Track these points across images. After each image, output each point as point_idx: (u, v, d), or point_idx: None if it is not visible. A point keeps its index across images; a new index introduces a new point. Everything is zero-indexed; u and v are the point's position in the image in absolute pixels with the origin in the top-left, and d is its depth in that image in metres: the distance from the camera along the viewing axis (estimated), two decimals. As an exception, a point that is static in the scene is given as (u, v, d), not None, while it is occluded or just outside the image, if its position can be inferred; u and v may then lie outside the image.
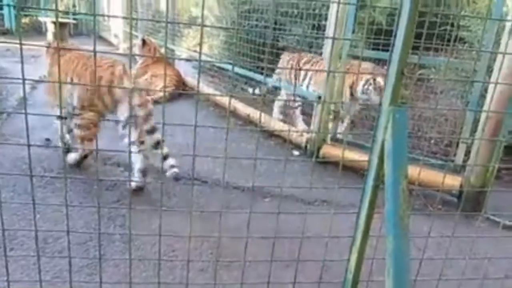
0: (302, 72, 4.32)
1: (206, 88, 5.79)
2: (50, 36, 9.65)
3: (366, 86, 3.77)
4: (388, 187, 1.12)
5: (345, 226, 1.74)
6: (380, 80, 3.64)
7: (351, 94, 3.93)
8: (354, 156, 3.42)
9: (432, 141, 4.16)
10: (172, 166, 2.89)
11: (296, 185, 3.32)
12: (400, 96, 1.21)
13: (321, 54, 4.30)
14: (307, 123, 4.49)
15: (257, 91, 5.35)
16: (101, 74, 2.89)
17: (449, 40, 3.78)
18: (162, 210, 1.52)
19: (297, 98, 4.58)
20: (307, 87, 4.36)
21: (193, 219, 1.66)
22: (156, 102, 5.38)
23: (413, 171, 1.78)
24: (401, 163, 1.12)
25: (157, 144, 2.91)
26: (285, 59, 4.79)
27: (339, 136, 4.08)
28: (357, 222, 1.44)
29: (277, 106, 4.95)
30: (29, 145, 1.17)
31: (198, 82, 1.42)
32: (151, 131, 2.93)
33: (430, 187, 3.03)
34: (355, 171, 3.38)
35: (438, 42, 3.83)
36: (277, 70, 4.92)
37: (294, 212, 2.77)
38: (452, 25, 3.99)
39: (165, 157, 2.91)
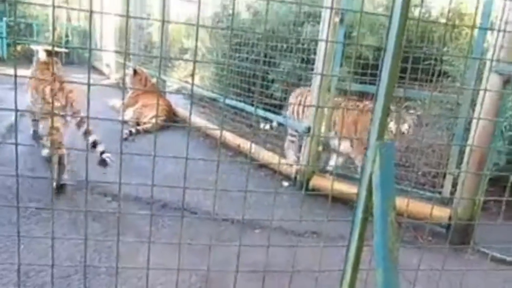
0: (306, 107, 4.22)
1: (197, 119, 5.82)
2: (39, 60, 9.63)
3: None
4: (377, 219, 1.13)
5: (335, 258, 1.73)
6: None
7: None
8: (343, 188, 3.44)
9: (420, 173, 4.22)
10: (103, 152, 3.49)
11: (286, 217, 3.31)
12: (386, 128, 1.24)
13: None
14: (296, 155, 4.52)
15: (267, 126, 5.16)
16: None
17: (433, 74, 3.91)
18: (150, 242, 1.50)
19: (294, 132, 4.51)
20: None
21: (182, 251, 1.63)
22: (146, 131, 5.41)
23: (401, 202, 1.80)
24: (389, 196, 1.14)
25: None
26: (294, 95, 4.58)
27: (328, 167, 4.11)
28: (347, 255, 1.44)
29: (290, 147, 4.61)
30: (17, 176, 1.16)
31: (190, 115, 1.44)
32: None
33: (419, 219, 3.04)
34: (345, 203, 3.39)
35: (423, 76, 3.97)
36: (288, 107, 4.71)
37: (284, 245, 2.74)
38: (436, 59, 4.14)
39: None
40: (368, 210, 1.29)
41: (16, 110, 1.09)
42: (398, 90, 3.02)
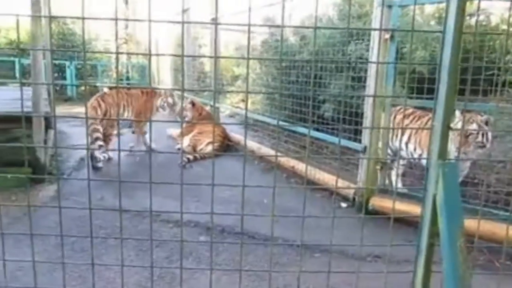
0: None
1: (250, 143, 5.92)
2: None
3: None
4: (444, 245, 1.06)
5: (401, 285, 1.64)
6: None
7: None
8: (405, 208, 3.27)
9: (491, 190, 3.91)
10: None
11: (346, 239, 3.19)
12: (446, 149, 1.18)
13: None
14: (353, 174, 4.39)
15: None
16: None
17: (496, 85, 3.67)
18: (211, 269, 1.53)
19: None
20: (406, 145, 4.02)
21: (242, 277, 1.64)
22: (203, 158, 5.60)
23: (472, 223, 1.69)
24: (456, 219, 1.08)
25: None
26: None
27: (388, 187, 3.95)
28: (413, 282, 1.36)
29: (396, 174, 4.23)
30: (90, 209, 1.25)
31: (245, 143, 1.48)
32: None
33: (494, 241, 2.80)
34: (409, 224, 3.22)
35: (485, 88, 3.73)
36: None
37: (345, 271, 2.65)
38: (499, 69, 3.89)
39: None
40: (434, 234, 1.22)
41: (88, 149, 1.19)
42: (458, 103, 2.87)
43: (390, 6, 3.50)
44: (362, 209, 3.69)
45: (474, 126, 3.47)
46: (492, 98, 3.85)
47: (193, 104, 6.59)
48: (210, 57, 7.93)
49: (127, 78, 14.12)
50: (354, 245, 2.92)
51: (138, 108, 5.70)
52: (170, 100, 5.90)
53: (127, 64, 14.40)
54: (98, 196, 3.90)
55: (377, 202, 3.73)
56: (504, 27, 5.05)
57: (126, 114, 5.59)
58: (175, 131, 6.73)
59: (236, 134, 6.52)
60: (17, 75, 11.04)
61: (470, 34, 3.33)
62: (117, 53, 1.32)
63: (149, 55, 1.20)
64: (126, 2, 15.04)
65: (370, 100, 3.62)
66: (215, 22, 5.94)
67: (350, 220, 3.63)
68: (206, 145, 5.89)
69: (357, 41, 4.73)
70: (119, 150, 1.40)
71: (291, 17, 6.86)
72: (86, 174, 1.31)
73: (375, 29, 3.57)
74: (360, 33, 4.58)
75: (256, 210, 3.67)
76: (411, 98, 3.88)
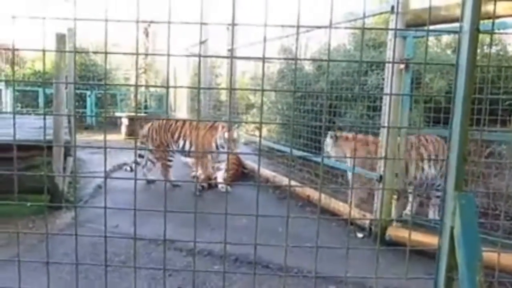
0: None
1: (265, 171, 5.92)
2: (124, 128, 10.82)
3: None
4: (464, 280, 1.03)
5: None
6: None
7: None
8: (423, 239, 3.19)
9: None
10: None
11: (362, 271, 3.08)
12: (463, 179, 1.17)
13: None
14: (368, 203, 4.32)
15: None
16: None
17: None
18: (224, 300, 1.51)
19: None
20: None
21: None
22: (216, 186, 5.61)
23: (493, 255, 1.63)
24: (475, 253, 1.05)
25: None
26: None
27: (404, 216, 3.87)
28: (432, 318, 1.31)
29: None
30: (105, 236, 1.27)
31: (259, 172, 1.49)
32: None
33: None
34: (429, 256, 3.11)
35: (504, 117, 3.68)
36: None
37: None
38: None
39: None
40: (452, 268, 1.19)
41: (105, 178, 1.22)
42: (474, 133, 2.84)
43: (404, 37, 3.55)
44: (377, 239, 3.60)
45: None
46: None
47: None
48: (225, 89, 8.09)
49: (145, 107, 14.46)
50: (370, 277, 2.84)
51: (195, 140, 5.60)
52: (234, 134, 5.44)
53: (145, 93, 14.79)
54: (113, 224, 3.92)
55: (394, 232, 3.64)
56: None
57: (181, 145, 5.68)
58: (191, 158, 6.78)
59: (251, 162, 6.53)
60: (41, 104, 11.44)
61: (485, 62, 3.32)
62: (137, 85, 1.38)
63: (167, 87, 1.25)
64: (147, 34, 15.62)
65: (385, 132, 3.61)
66: (230, 55, 6.08)
67: (366, 251, 3.55)
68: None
69: (377, 72, 4.76)
70: (135, 180, 1.43)
71: (307, 47, 7.00)
72: (103, 202, 1.34)
73: (387, 62, 3.60)
74: (379, 63, 4.62)
75: (271, 239, 3.62)
76: (426, 127, 3.86)
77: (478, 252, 1.06)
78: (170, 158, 5.66)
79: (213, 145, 5.54)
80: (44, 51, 1.44)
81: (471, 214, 1.09)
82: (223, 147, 5.39)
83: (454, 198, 1.13)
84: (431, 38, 5.56)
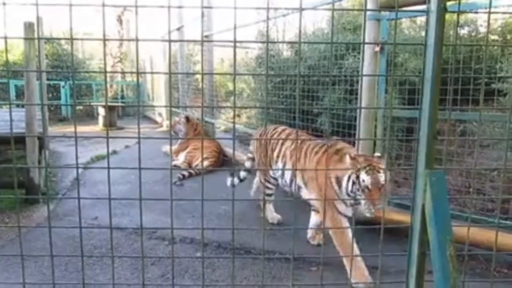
0: None
1: (244, 157, 5.91)
2: (100, 119, 10.62)
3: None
4: (435, 254, 1.06)
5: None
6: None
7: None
8: (400, 218, 3.27)
9: (486, 198, 3.91)
10: None
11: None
12: (434, 156, 1.20)
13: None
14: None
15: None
16: None
17: (489, 94, 3.72)
18: (206, 286, 1.52)
19: None
20: None
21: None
22: (198, 174, 5.59)
23: (473, 231, 1.69)
24: (445, 228, 1.08)
25: None
26: None
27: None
28: (407, 293, 1.36)
29: None
30: (81, 227, 1.25)
31: (233, 157, 1.49)
32: None
33: (490, 249, 2.80)
34: (403, 234, 3.21)
35: (477, 97, 3.78)
36: None
37: (339, 283, 2.64)
38: (490, 78, 3.94)
39: None
40: (424, 243, 1.22)
41: (77, 167, 1.19)
42: (444, 113, 2.91)
43: (378, 20, 3.57)
44: (353, 220, 3.67)
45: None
46: (480, 107, 3.89)
47: (187, 119, 6.57)
48: (197, 73, 7.99)
49: (122, 97, 14.19)
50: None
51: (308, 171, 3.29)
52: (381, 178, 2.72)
53: (122, 83, 14.49)
54: (93, 216, 3.87)
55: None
56: (493, 37, 5.14)
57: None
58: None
59: (231, 149, 6.52)
60: (12, 96, 11.06)
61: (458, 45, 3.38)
62: (105, 72, 1.34)
63: (137, 73, 1.22)
64: (121, 22, 15.21)
65: (363, 112, 3.65)
66: (201, 40, 5.99)
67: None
68: (201, 161, 5.87)
69: (353, 55, 4.78)
70: (108, 169, 1.40)
71: (285, 31, 6.95)
72: (81, 194, 1.31)
73: (359, 43, 3.62)
74: (357, 46, 4.64)
75: (252, 225, 3.65)
76: (399, 108, 3.92)
77: (448, 227, 1.09)
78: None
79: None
80: (5, 37, 1.39)
81: (442, 191, 1.12)
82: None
83: (425, 175, 1.16)
84: (407, 20, 5.61)
